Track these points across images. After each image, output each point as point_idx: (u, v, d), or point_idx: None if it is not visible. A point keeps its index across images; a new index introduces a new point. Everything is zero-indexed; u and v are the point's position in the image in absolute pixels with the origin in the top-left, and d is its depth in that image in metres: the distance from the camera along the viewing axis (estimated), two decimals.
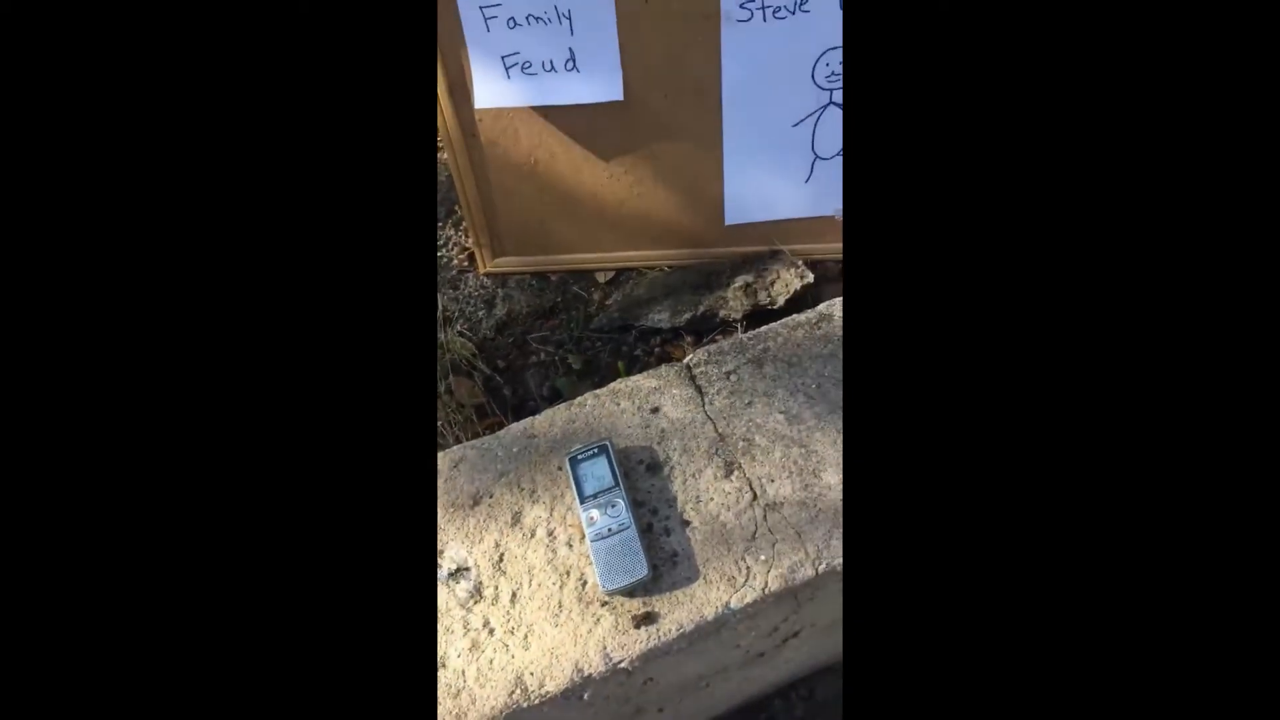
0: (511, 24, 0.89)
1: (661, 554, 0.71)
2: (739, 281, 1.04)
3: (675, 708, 0.86)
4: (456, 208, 1.24)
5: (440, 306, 1.05)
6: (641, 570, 0.68)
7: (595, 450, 0.75)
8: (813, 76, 0.92)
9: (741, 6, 0.86)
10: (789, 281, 1.03)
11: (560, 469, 0.77)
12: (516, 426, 0.82)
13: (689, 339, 1.03)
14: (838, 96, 0.91)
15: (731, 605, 0.68)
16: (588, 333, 1.06)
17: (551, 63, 0.91)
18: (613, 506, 0.72)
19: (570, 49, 0.90)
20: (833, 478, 0.75)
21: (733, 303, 1.02)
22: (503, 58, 0.92)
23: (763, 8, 0.86)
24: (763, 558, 0.71)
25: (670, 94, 0.94)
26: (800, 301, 1.03)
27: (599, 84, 0.93)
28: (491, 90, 0.94)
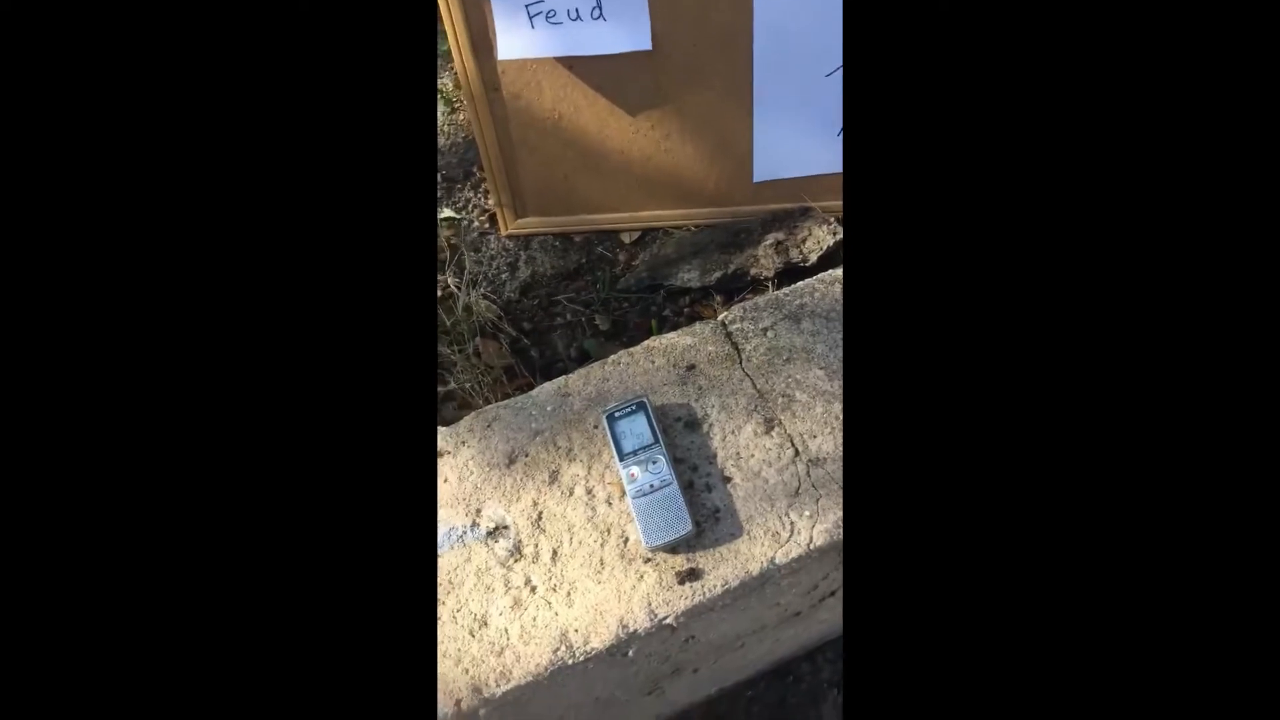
0: None
1: (704, 510, 0.70)
2: (769, 239, 1.02)
3: (710, 667, 0.86)
4: (476, 169, 1.22)
5: (465, 269, 1.04)
6: (685, 526, 0.67)
7: (633, 407, 0.74)
8: None
9: None
10: (821, 239, 1.01)
11: (596, 427, 0.76)
12: (550, 385, 0.81)
13: (719, 298, 1.02)
14: None
15: (776, 560, 0.68)
16: (615, 293, 1.05)
17: (577, 11, 0.89)
18: (653, 463, 0.71)
19: None
20: None
21: (764, 261, 1.00)
22: (527, 7, 0.89)
23: None
24: (807, 513, 0.70)
25: (699, 43, 0.92)
26: (833, 259, 1.01)
27: (626, 33, 0.90)
28: (515, 41, 0.91)
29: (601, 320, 1.02)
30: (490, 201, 1.13)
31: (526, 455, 0.76)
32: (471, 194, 1.21)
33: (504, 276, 1.10)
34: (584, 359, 0.99)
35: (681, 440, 0.75)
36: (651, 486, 0.69)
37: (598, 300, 1.04)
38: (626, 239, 1.11)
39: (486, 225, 1.16)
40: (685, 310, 1.02)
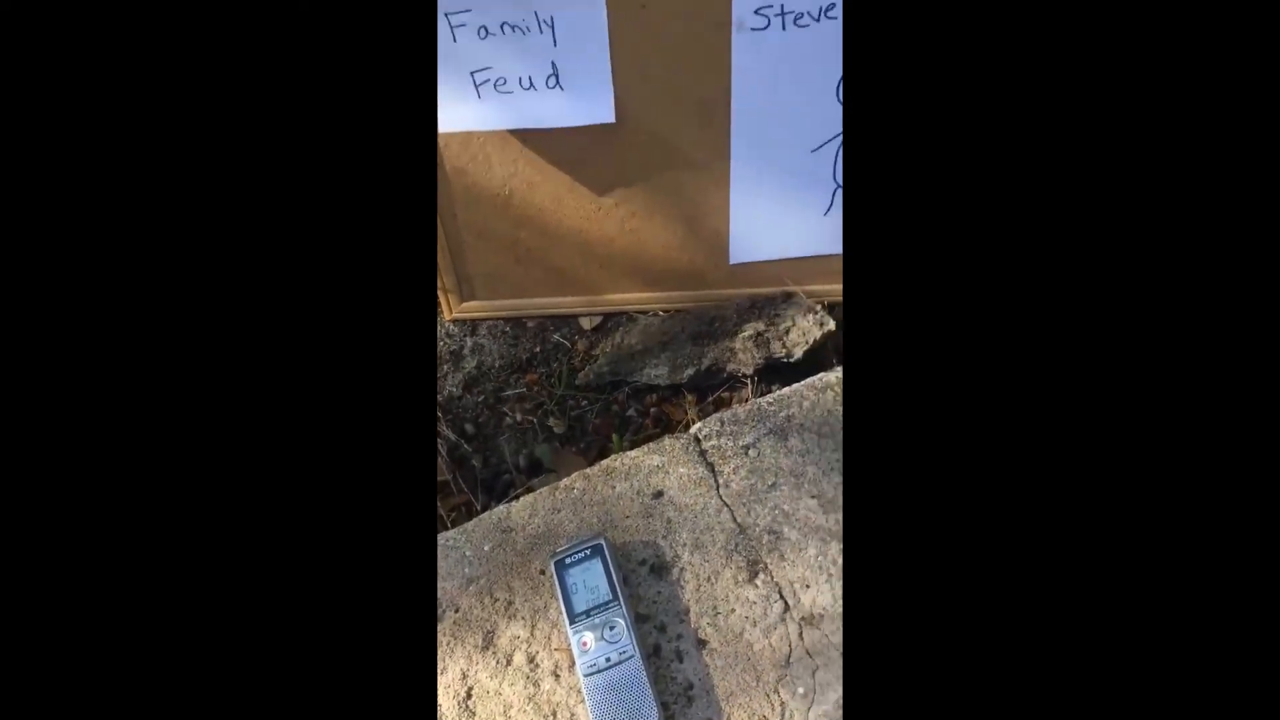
0: (483, 33, 0.79)
1: (674, 687, 0.59)
2: (748, 330, 0.94)
3: None
4: None
5: None
6: (650, 716, 0.55)
7: (587, 551, 0.64)
8: (837, 94, 0.83)
9: (756, 13, 0.77)
10: (806, 329, 0.93)
11: (543, 573, 0.66)
12: (488, 518, 0.71)
13: (690, 397, 0.93)
14: None
15: None
16: (572, 390, 0.95)
17: (530, 79, 0.81)
18: (611, 628, 0.60)
19: (553, 63, 0.80)
20: None
21: (742, 355, 0.92)
22: (472, 74, 0.81)
23: (781, 14, 0.77)
24: (800, 690, 0.59)
25: (670, 115, 0.85)
26: (820, 352, 0.93)
27: (587, 104, 0.83)
28: (459, 112, 0.84)
29: (556, 422, 0.92)
30: None
31: (456, 610, 0.65)
32: None
33: (446, 368, 0.99)
34: (535, 469, 0.88)
35: (647, 590, 0.65)
36: (608, 660, 0.58)
37: (552, 399, 0.94)
38: (586, 324, 1.02)
39: None
40: (652, 410, 0.93)
